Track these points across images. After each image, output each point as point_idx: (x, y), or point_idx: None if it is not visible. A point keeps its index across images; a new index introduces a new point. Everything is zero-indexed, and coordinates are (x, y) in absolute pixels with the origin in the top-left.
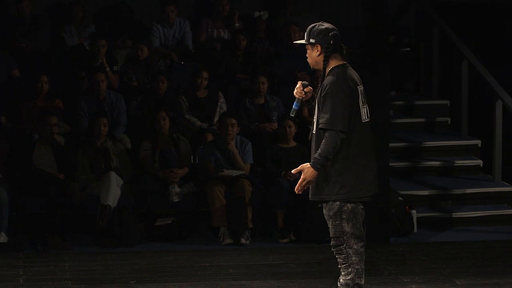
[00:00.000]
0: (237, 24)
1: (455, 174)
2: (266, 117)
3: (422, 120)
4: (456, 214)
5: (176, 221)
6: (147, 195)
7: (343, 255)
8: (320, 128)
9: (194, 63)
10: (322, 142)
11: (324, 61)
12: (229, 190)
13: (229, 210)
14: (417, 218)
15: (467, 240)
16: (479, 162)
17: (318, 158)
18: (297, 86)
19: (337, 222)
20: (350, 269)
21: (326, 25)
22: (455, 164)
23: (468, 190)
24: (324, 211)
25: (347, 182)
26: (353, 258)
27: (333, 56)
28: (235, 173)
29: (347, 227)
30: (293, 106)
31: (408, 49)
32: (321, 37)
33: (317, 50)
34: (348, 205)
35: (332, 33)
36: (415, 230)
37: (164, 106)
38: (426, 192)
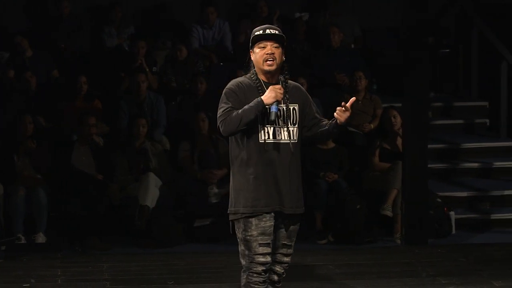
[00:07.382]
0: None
1: (494, 176)
2: None
3: (461, 121)
4: (495, 216)
5: (215, 222)
6: (186, 196)
7: None
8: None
9: (233, 64)
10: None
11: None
12: None
13: None
14: (456, 219)
15: (506, 242)
16: None
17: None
18: (279, 88)
19: None
20: None
21: None
22: (493, 166)
23: (507, 192)
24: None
25: None
26: None
27: None
28: None
29: None
30: (273, 110)
31: (448, 50)
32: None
33: (284, 55)
34: None
35: None
36: (454, 231)
37: (203, 107)
38: (464, 194)
